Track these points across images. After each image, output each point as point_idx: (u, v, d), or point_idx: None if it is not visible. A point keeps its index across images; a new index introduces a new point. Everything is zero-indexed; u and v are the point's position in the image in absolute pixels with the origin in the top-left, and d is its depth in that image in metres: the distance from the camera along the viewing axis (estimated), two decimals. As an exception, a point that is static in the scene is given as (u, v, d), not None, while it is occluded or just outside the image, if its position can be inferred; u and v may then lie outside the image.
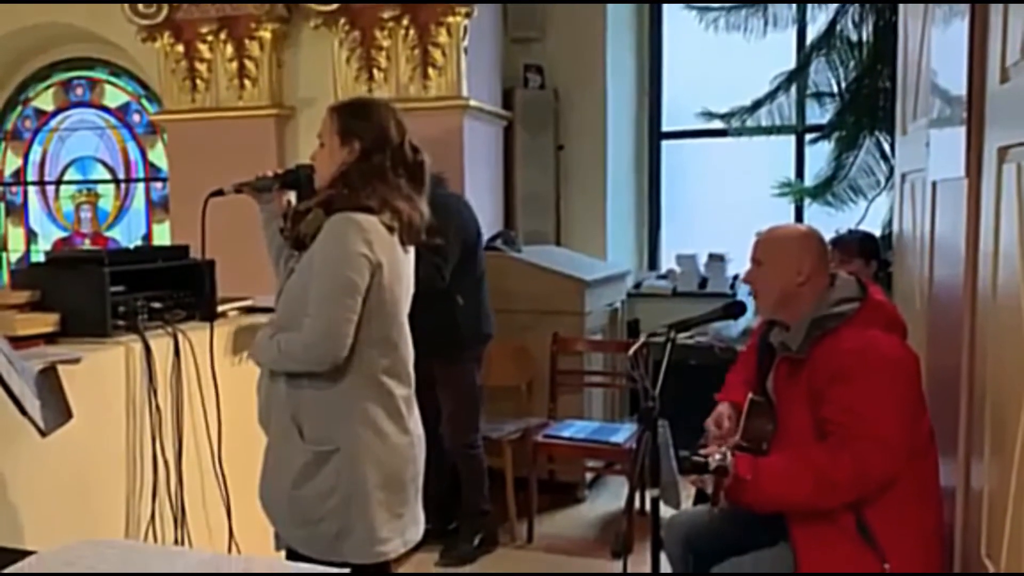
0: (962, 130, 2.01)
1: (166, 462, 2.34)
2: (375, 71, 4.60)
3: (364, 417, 2.06)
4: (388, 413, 2.10)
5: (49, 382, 1.75)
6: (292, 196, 2.35)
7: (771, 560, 2.15)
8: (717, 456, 2.05)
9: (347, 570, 1.03)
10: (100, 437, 2.18)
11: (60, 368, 1.92)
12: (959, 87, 2.06)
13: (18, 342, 2.03)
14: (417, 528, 2.21)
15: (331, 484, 2.05)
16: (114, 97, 6.27)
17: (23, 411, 1.55)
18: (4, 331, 1.96)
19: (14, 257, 6.51)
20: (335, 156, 2.13)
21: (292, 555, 2.14)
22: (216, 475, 2.47)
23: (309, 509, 2.06)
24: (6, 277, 6.33)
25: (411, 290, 2.22)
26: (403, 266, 2.15)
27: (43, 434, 1.63)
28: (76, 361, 2.02)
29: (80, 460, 2.10)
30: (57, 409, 1.73)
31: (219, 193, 2.25)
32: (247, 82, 4.93)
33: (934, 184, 2.46)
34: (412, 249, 2.21)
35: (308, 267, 2.06)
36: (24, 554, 1.06)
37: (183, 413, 2.41)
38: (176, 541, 2.34)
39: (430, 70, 4.50)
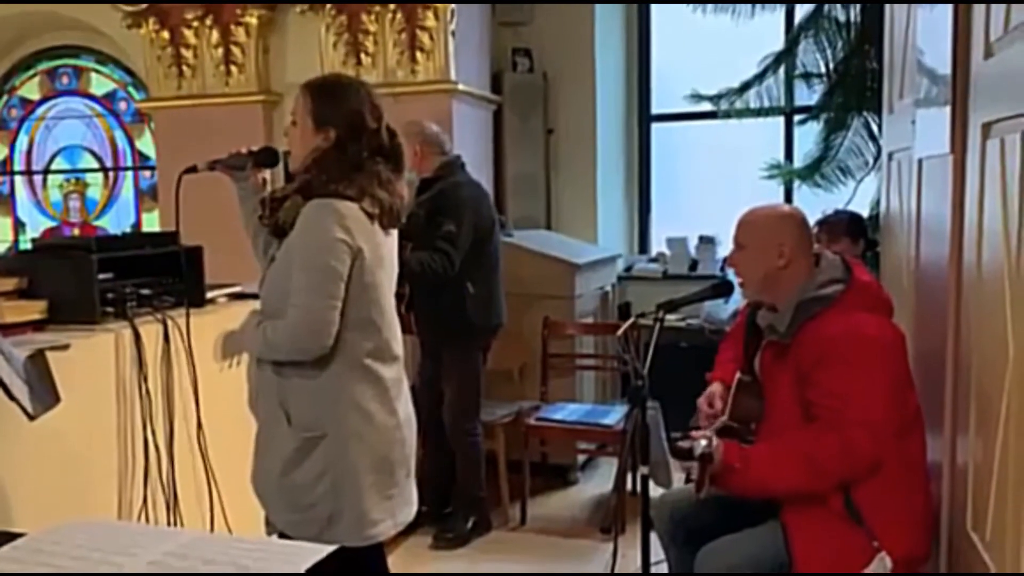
0: (947, 108, 2.02)
1: (157, 447, 2.34)
2: (362, 56, 4.58)
3: (351, 401, 2.06)
4: (375, 395, 2.09)
5: (37, 367, 1.75)
6: (267, 174, 2.34)
7: (761, 538, 2.16)
8: (702, 443, 2.06)
9: (335, 546, 1.03)
10: (91, 423, 2.18)
11: (49, 355, 1.92)
12: (945, 66, 2.06)
13: (5, 330, 2.02)
14: (409, 509, 2.21)
15: (320, 469, 2.05)
16: (100, 85, 6.24)
17: (10, 395, 1.56)
18: (-8, 318, 1.95)
19: (2, 247, 6.48)
20: (309, 140, 2.10)
21: (283, 540, 2.15)
22: (204, 460, 2.47)
23: (299, 494, 2.06)
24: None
25: (395, 272, 2.20)
26: (384, 249, 2.13)
27: (31, 418, 1.63)
28: (65, 348, 2.02)
29: (71, 446, 2.10)
30: (45, 393, 1.73)
31: (192, 170, 2.23)
32: (234, 68, 4.91)
33: (920, 162, 2.47)
34: (395, 232, 2.19)
35: (288, 254, 2.05)
36: (14, 536, 1.06)
37: (173, 399, 2.41)
38: (169, 525, 2.35)
39: (418, 54, 4.48)
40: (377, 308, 2.10)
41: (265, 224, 2.14)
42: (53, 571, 0.94)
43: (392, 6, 4.48)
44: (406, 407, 2.20)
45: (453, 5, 4.44)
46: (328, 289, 1.99)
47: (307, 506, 2.06)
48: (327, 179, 2.04)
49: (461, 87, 4.52)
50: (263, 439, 2.15)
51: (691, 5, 4.55)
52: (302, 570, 0.96)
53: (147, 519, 2.30)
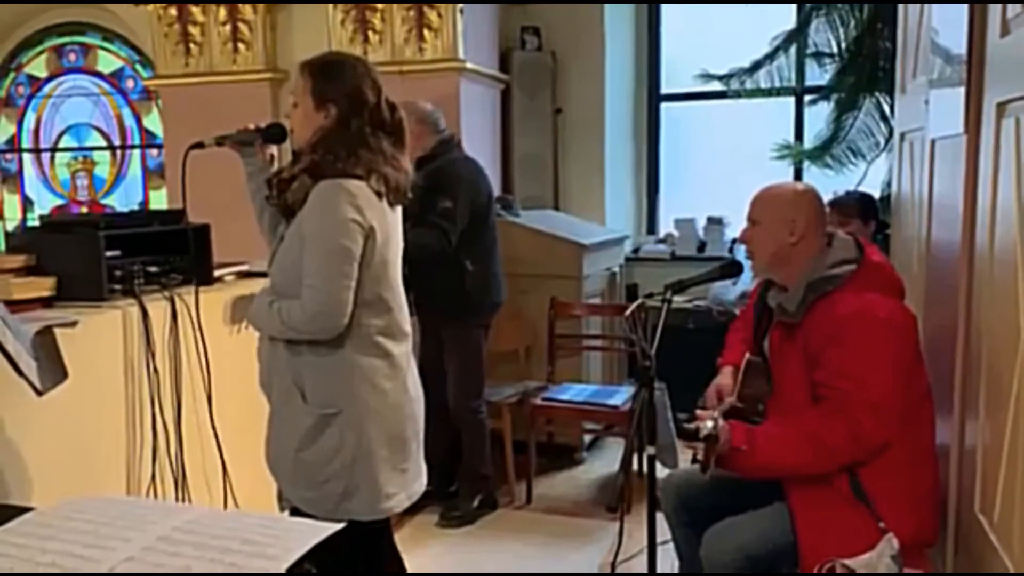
0: (962, 88, 2.00)
1: (165, 425, 2.35)
2: (370, 33, 4.55)
3: (364, 378, 2.09)
4: (387, 372, 2.12)
5: (45, 343, 1.76)
6: (275, 151, 2.33)
7: (767, 520, 2.16)
8: (708, 423, 2.05)
9: (343, 524, 1.03)
10: (99, 400, 2.19)
11: (57, 332, 1.93)
12: (960, 46, 2.04)
13: (14, 306, 2.03)
14: (420, 481, 2.26)
15: (335, 445, 2.08)
16: (107, 63, 6.22)
17: (18, 371, 1.56)
18: (0, 295, 1.96)
19: (11, 225, 6.50)
20: (311, 119, 2.11)
21: (296, 515, 2.17)
22: (214, 437, 2.48)
23: (314, 470, 2.09)
24: (2, 245, 6.32)
25: (401, 249, 2.22)
26: (392, 227, 2.15)
27: (39, 393, 1.64)
28: (73, 324, 2.02)
29: (80, 423, 2.11)
30: (53, 369, 1.74)
31: (199, 146, 2.23)
32: (241, 46, 4.88)
33: (933, 142, 2.45)
34: (399, 208, 2.20)
35: (297, 233, 2.06)
36: (23, 510, 1.07)
37: (181, 376, 2.42)
38: (177, 502, 2.36)
39: (426, 32, 4.45)
40: (387, 286, 2.13)
41: (273, 204, 2.16)
42: (62, 545, 0.95)
43: (400, -17, 4.44)
44: (415, 383, 2.24)
45: (461, -18, 4.40)
46: (342, 269, 2.01)
47: (322, 482, 2.09)
48: (333, 158, 2.05)
49: (469, 65, 4.49)
50: (277, 416, 2.17)
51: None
52: (309, 546, 0.96)
53: (155, 495, 2.31)
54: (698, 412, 2.13)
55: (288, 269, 2.09)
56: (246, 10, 4.83)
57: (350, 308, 2.03)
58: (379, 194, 2.07)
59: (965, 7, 1.98)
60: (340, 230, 2.00)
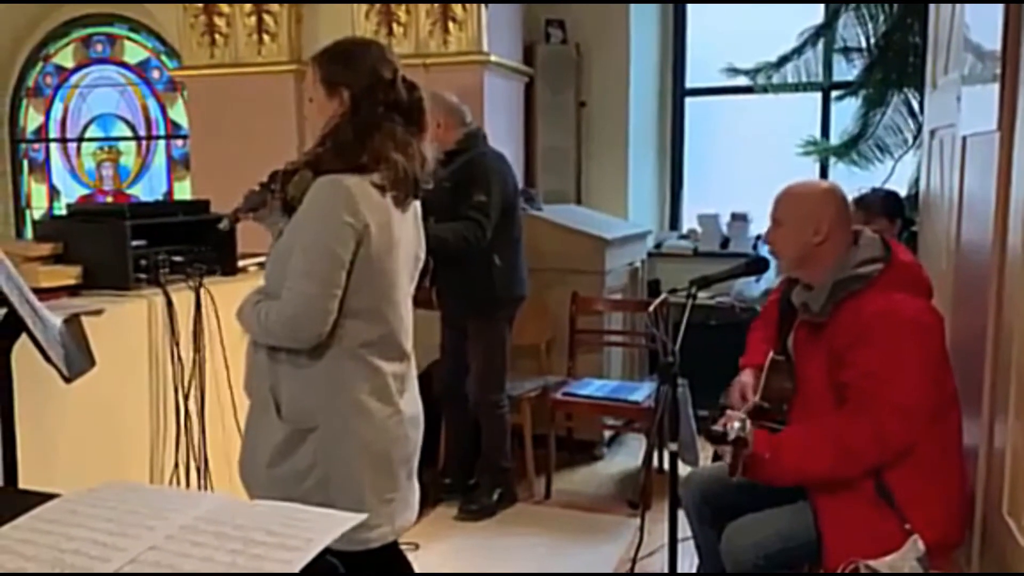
0: (995, 85, 1.96)
1: (188, 413, 2.37)
2: (394, 26, 4.55)
3: (347, 395, 1.90)
4: (374, 390, 1.93)
5: (72, 331, 1.77)
6: None
7: (788, 517, 2.14)
8: (736, 425, 2.02)
9: (364, 515, 1.03)
10: (123, 389, 2.21)
11: (84, 320, 1.94)
12: (993, 41, 2.00)
13: (41, 294, 2.04)
14: (410, 513, 2.07)
15: (308, 463, 1.90)
16: (134, 53, 6.27)
17: (47, 357, 1.58)
18: (28, 283, 1.97)
19: (38, 214, 6.57)
20: (324, 109, 1.96)
21: None
22: (236, 426, 2.50)
23: (286, 488, 1.88)
24: (30, 233, 6.39)
25: (412, 255, 2.04)
26: (398, 230, 1.95)
27: (67, 380, 1.65)
28: (99, 313, 2.04)
29: (104, 411, 2.13)
30: (80, 357, 1.75)
31: (218, 221, 2.14)
32: (266, 37, 4.90)
33: (964, 139, 2.41)
34: (416, 205, 2.04)
35: (294, 231, 1.90)
36: (49, 496, 1.08)
37: (205, 366, 2.44)
38: (200, 490, 2.38)
39: (450, 24, 4.44)
40: (386, 298, 1.94)
41: (276, 199, 2.00)
42: (87, 532, 0.95)
43: (425, -24, 4.44)
44: (411, 404, 2.04)
45: (486, -25, 4.39)
46: (328, 275, 1.84)
47: (296, 501, 1.90)
48: (338, 150, 1.89)
49: (493, 58, 4.48)
50: (252, 427, 2.00)
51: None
52: (331, 538, 0.96)
53: (178, 483, 2.33)
54: (726, 415, 2.10)
55: (281, 267, 1.90)
56: (271, 2, 4.85)
57: (332, 317, 1.84)
58: (382, 189, 1.88)
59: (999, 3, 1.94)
60: (330, 232, 1.82)
